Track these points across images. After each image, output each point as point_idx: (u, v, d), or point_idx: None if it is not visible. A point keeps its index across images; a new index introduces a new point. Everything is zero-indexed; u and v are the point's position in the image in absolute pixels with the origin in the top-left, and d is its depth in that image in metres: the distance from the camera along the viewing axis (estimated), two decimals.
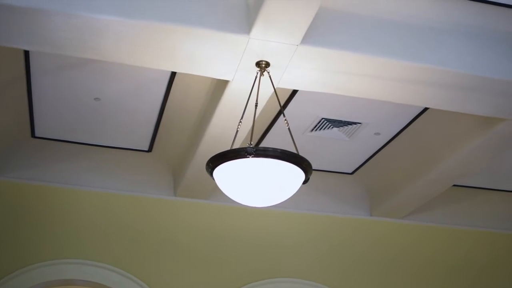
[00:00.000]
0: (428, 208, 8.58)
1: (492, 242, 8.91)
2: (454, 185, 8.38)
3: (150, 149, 7.68)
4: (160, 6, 4.79)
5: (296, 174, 4.79)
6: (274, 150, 4.67)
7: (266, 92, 5.47)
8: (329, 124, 7.00)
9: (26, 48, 5.13)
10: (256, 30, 4.82)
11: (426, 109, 6.72)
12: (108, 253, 7.47)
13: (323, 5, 5.02)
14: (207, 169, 4.89)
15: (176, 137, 7.29)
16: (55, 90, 6.47)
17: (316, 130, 7.12)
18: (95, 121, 7.04)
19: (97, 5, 4.70)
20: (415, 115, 6.88)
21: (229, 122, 6.06)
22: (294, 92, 6.36)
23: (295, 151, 4.83)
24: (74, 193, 7.59)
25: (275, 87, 5.34)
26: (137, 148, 7.68)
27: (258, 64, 5.18)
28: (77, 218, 7.51)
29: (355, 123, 6.99)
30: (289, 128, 5.18)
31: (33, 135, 7.41)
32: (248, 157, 4.62)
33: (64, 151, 7.58)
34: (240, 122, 5.33)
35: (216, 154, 4.78)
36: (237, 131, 5.30)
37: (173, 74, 6.17)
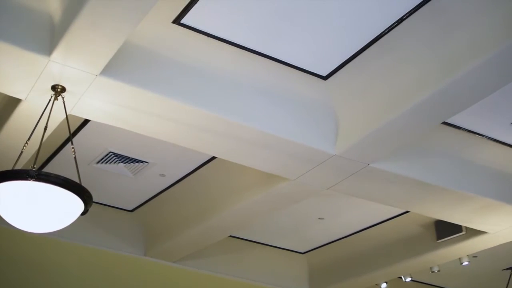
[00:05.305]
0: (202, 255, 8.69)
1: None
2: (231, 236, 8.56)
3: None
4: None
5: (75, 204, 4.76)
6: (57, 176, 4.62)
7: (58, 117, 5.38)
8: (116, 159, 6.97)
9: None
10: (57, 53, 4.75)
11: (214, 157, 6.85)
12: None
13: (130, 40, 5.05)
14: None
15: None
16: None
17: (102, 162, 7.08)
18: None
19: None
20: (202, 162, 7.01)
21: (15, 142, 5.88)
22: (86, 121, 6.31)
23: (78, 181, 4.79)
24: None
25: (68, 113, 5.27)
26: None
27: (54, 87, 5.10)
28: None
29: (142, 161, 7.01)
30: (75, 157, 5.12)
31: None
32: (29, 180, 4.54)
33: None
34: (27, 143, 5.19)
35: None
36: (21, 152, 5.16)
37: None
